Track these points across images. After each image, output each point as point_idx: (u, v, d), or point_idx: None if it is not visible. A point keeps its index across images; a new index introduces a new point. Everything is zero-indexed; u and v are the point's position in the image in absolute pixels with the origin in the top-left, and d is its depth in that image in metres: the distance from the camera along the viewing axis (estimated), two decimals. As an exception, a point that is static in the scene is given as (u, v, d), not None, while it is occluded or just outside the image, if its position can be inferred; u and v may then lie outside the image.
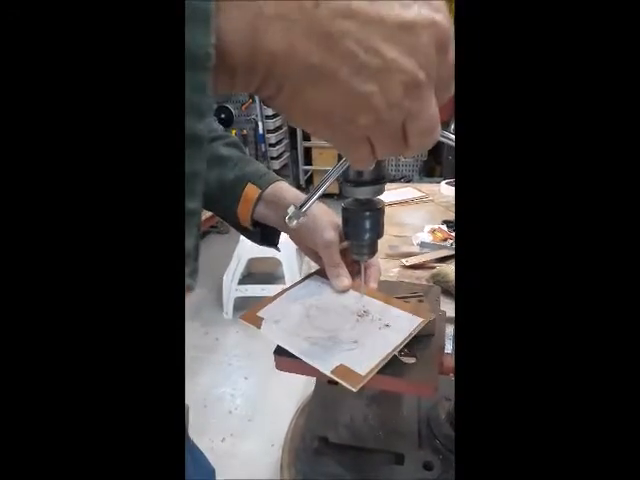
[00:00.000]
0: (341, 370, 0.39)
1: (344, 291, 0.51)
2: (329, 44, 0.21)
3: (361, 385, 0.37)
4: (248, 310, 0.48)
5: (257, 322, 0.46)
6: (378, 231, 0.42)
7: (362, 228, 0.41)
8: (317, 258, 0.55)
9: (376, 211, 0.41)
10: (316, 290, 0.52)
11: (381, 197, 0.40)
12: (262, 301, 0.50)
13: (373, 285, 0.52)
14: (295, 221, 0.37)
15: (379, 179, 0.38)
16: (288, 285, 0.54)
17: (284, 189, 0.54)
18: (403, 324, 0.46)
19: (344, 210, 0.42)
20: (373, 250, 0.44)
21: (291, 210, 0.37)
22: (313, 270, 0.57)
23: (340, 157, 0.35)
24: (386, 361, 0.40)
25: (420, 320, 0.46)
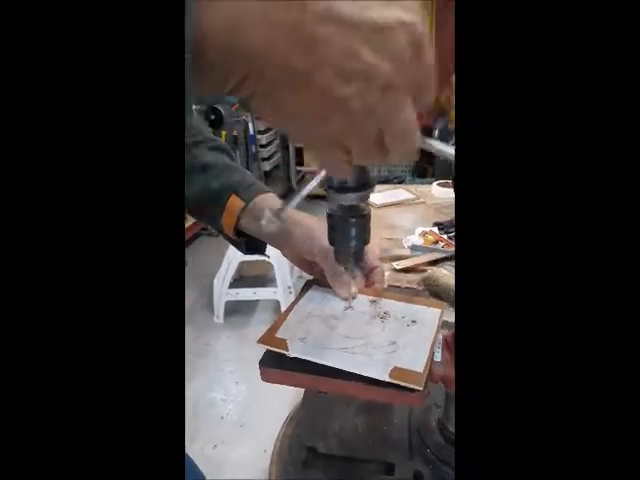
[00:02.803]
0: (397, 372, 0.38)
1: (351, 298, 0.49)
2: (310, 48, 0.21)
3: (424, 382, 0.37)
4: (264, 333, 0.44)
5: (281, 344, 0.42)
6: (364, 238, 0.41)
7: (348, 235, 0.40)
8: (310, 269, 0.54)
9: (362, 217, 0.39)
10: (323, 301, 0.50)
11: (372, 198, 0.39)
12: (275, 322, 0.46)
13: (380, 286, 0.52)
14: (272, 226, 0.35)
15: (364, 185, 0.36)
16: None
17: (271, 203, 0.52)
18: (426, 317, 0.45)
19: (329, 216, 0.40)
20: (359, 257, 0.42)
21: (267, 214, 0.35)
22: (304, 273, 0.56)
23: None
24: (431, 355, 0.39)
25: (439, 311, 0.46)
